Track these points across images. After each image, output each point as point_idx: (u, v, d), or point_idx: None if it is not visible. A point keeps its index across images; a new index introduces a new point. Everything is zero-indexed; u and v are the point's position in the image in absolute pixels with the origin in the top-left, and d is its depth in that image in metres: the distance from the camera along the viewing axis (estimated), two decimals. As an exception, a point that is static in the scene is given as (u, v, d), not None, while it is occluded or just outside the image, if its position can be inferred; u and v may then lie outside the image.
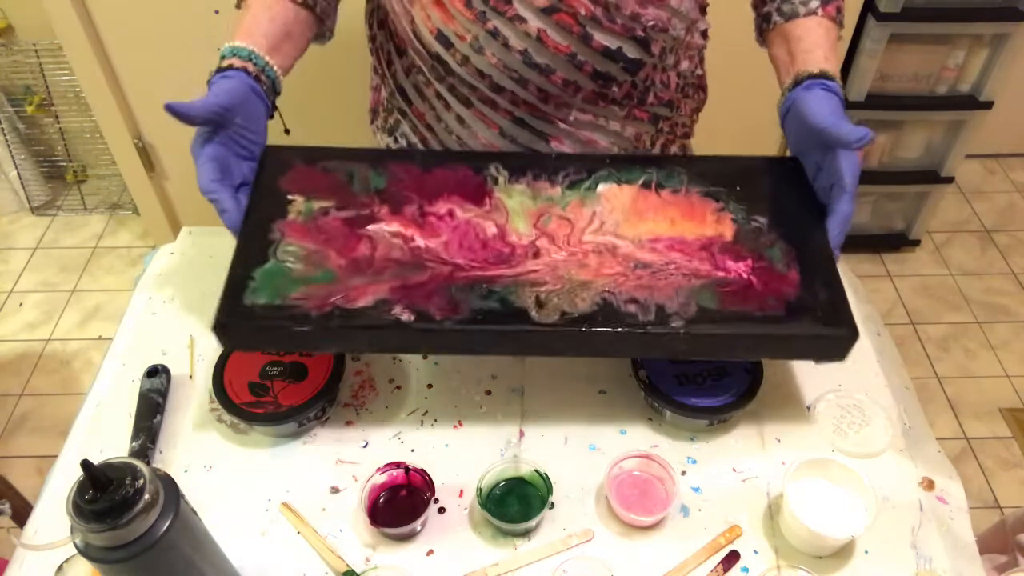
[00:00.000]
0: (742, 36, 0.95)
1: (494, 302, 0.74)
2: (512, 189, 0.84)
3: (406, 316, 0.73)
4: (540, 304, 0.74)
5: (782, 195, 0.84)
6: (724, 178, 0.85)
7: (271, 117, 0.85)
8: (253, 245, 0.78)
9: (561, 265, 0.77)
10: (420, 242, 0.79)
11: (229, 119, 0.79)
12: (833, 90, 0.80)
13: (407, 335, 0.74)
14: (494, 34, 0.81)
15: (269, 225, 0.79)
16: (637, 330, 0.73)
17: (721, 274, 0.77)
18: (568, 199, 0.83)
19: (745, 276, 0.77)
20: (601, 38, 0.82)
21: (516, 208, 0.82)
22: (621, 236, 0.80)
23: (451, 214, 0.81)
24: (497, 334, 0.74)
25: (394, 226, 0.80)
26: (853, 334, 0.74)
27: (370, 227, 0.80)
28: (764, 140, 0.90)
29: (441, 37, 0.84)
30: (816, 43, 0.84)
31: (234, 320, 0.73)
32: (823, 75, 0.81)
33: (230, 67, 0.81)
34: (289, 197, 0.82)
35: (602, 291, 0.75)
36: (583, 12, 0.79)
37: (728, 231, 0.81)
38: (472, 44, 0.83)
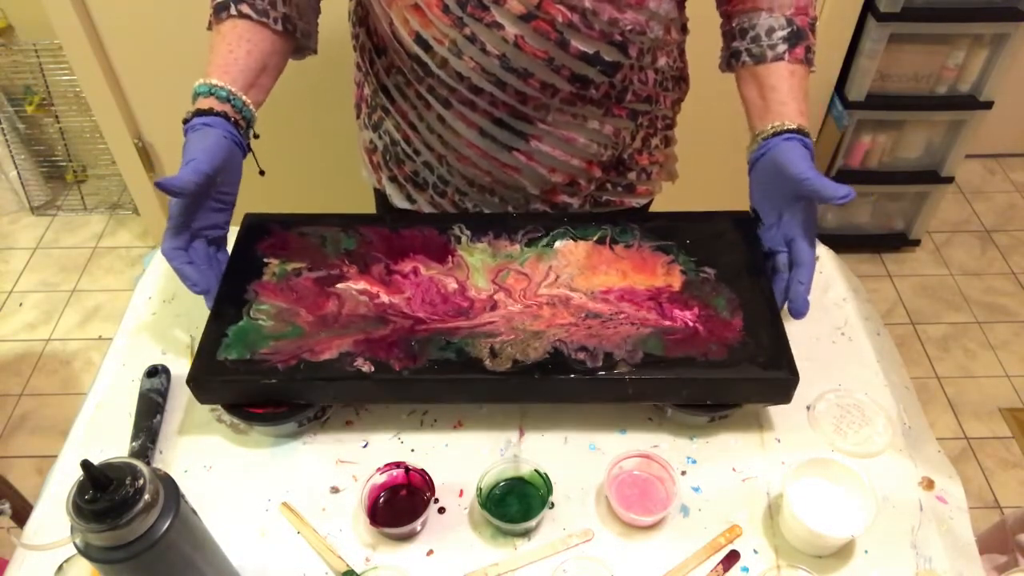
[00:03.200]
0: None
1: (451, 353, 0.78)
2: (474, 248, 0.88)
3: (366, 367, 0.76)
4: (494, 354, 0.77)
5: (730, 248, 0.88)
6: (675, 233, 0.89)
7: (245, 156, 0.85)
8: (229, 305, 0.82)
9: (516, 317, 0.81)
10: (385, 298, 0.82)
11: (211, 183, 0.79)
12: (809, 148, 0.83)
13: (367, 385, 0.77)
14: (472, 39, 0.81)
15: (245, 286, 0.83)
16: (585, 376, 0.76)
17: (668, 323, 0.81)
18: (526, 256, 0.87)
19: (691, 324, 0.80)
20: (579, 43, 0.82)
21: (477, 265, 0.86)
22: (574, 288, 0.84)
23: (415, 272, 0.85)
24: (452, 382, 0.77)
25: (361, 284, 0.84)
26: (793, 377, 0.76)
27: (339, 285, 0.84)
28: (746, 130, 0.89)
29: (420, 40, 0.84)
30: (791, 95, 0.85)
31: (205, 375, 0.77)
32: (800, 131, 0.83)
33: (210, 110, 0.80)
34: (265, 260, 0.86)
35: (554, 340, 0.78)
36: (560, 19, 0.79)
37: (677, 282, 0.84)
38: (450, 48, 0.83)
